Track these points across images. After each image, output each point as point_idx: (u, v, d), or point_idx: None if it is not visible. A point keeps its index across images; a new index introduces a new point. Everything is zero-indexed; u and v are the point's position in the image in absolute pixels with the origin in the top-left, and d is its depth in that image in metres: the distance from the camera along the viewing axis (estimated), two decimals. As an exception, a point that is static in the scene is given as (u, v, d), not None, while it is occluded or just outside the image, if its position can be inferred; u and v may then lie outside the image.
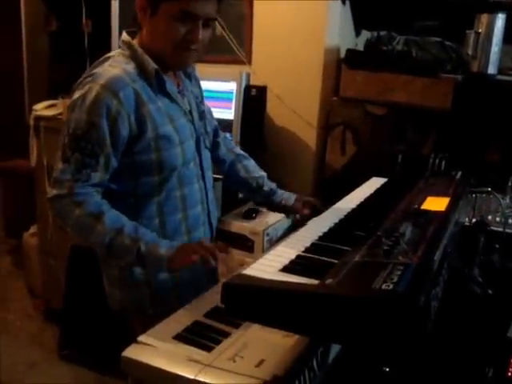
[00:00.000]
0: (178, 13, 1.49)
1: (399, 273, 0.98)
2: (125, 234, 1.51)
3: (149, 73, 1.59)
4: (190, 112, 1.73)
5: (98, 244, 1.55)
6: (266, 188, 1.97)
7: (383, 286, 0.93)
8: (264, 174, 2.01)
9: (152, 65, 1.58)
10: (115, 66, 1.57)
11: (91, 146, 1.50)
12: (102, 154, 1.52)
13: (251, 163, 2.02)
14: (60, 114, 3.13)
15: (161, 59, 1.60)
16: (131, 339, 1.21)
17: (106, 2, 3.61)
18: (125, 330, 1.70)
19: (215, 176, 2.05)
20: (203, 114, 1.81)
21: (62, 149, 1.54)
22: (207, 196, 1.80)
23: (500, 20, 2.56)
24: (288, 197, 1.98)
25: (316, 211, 1.79)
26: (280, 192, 1.99)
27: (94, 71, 1.55)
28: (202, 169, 1.76)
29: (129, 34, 1.65)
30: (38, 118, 3.12)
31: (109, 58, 1.61)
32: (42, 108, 3.18)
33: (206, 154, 1.82)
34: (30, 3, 4.33)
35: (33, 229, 3.61)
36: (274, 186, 1.99)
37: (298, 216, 1.97)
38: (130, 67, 1.58)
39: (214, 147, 1.98)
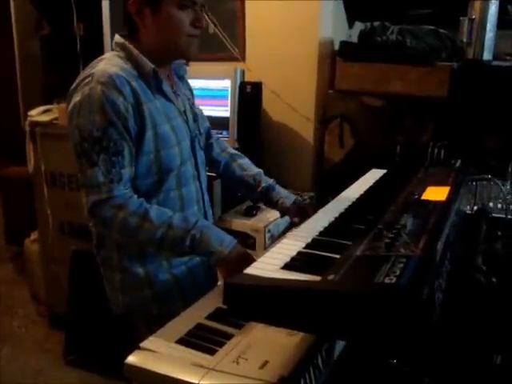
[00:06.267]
0: (180, 2, 1.55)
1: (401, 265, 0.96)
2: (175, 226, 1.52)
3: (146, 73, 1.59)
4: (185, 112, 1.74)
5: (148, 241, 1.55)
6: (263, 184, 1.94)
7: (386, 280, 0.91)
8: (260, 170, 1.99)
9: (149, 65, 1.59)
10: (112, 64, 1.56)
11: (113, 144, 1.50)
12: (125, 149, 1.53)
13: (246, 161, 2.01)
14: (56, 118, 3.12)
15: (159, 59, 1.62)
16: (137, 342, 1.20)
17: (97, 5, 3.61)
18: (129, 334, 1.69)
19: (211, 174, 2.04)
20: (196, 116, 1.82)
21: (83, 156, 1.52)
22: (203, 196, 1.81)
23: (493, 5, 2.55)
24: (286, 196, 1.95)
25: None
26: (278, 189, 1.97)
27: (92, 71, 1.54)
28: (197, 169, 1.77)
29: (121, 37, 1.65)
30: (34, 124, 3.11)
31: (103, 59, 1.61)
32: (37, 113, 3.17)
33: (201, 155, 1.82)
34: (20, 8, 4.31)
35: (33, 235, 3.60)
36: (271, 181, 1.97)
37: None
38: (127, 67, 1.58)
39: (208, 149, 1.98)
